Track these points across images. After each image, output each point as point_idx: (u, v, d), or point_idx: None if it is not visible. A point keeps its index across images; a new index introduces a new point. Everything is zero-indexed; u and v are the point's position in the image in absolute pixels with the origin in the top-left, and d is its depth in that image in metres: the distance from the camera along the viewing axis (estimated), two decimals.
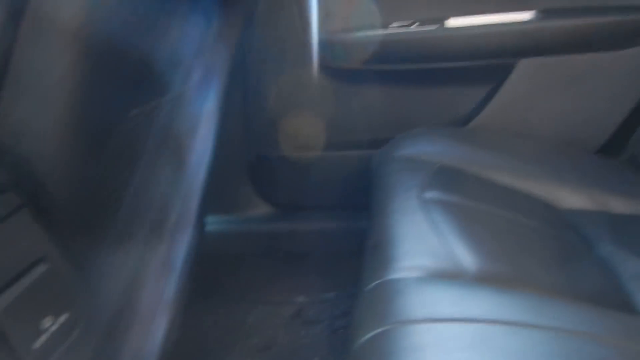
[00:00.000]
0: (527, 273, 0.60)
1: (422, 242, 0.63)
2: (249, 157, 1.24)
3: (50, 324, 0.49)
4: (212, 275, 1.25)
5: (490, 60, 1.09)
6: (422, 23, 1.08)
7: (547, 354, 0.46)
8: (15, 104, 0.51)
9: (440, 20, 1.08)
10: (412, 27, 1.08)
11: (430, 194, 0.76)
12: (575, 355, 0.47)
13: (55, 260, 0.53)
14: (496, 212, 0.75)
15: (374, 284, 0.58)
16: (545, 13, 1.05)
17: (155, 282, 0.82)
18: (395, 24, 1.09)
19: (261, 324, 1.15)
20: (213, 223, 1.25)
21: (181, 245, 1.04)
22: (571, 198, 0.91)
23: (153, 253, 0.96)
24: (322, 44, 1.10)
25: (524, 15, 1.06)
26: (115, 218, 0.65)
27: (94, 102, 0.56)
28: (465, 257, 0.61)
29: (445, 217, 0.69)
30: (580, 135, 1.11)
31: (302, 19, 1.11)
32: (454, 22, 1.08)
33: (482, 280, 0.58)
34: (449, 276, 0.58)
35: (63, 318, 0.51)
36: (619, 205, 0.91)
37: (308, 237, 1.25)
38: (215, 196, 1.21)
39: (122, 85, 0.66)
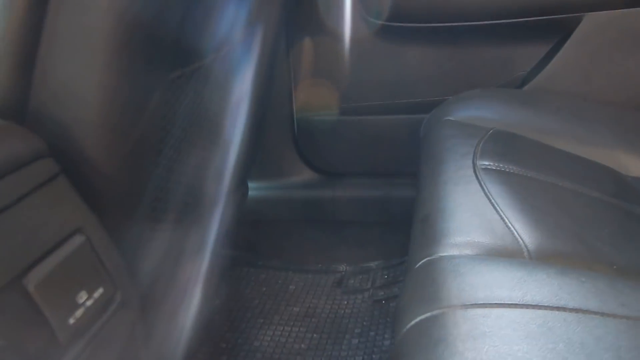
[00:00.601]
0: (594, 251, 0.54)
1: (476, 215, 0.58)
2: (293, 122, 1.20)
3: (86, 298, 0.47)
4: (255, 241, 1.24)
5: (552, 16, 0.99)
6: None
7: (620, 345, 0.41)
8: (54, 64, 0.48)
9: None
10: None
11: (485, 162, 0.70)
12: None
13: (92, 232, 0.51)
14: (557, 182, 0.68)
15: (423, 261, 0.54)
16: None
17: (190, 259, 0.80)
18: None
19: (303, 291, 1.13)
20: (256, 188, 1.23)
21: (218, 222, 1.02)
22: (638, 164, 0.84)
23: (188, 230, 0.94)
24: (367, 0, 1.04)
25: None
26: (148, 192, 0.63)
27: (134, 66, 0.53)
28: (525, 232, 0.55)
29: (501, 187, 0.63)
30: None
31: None
32: None
33: (544, 259, 0.53)
34: (507, 254, 0.52)
35: (99, 293, 0.49)
36: None
37: (351, 205, 1.20)
38: (259, 161, 1.19)
39: (160, 49, 0.63)
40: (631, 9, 0.96)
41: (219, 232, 1.08)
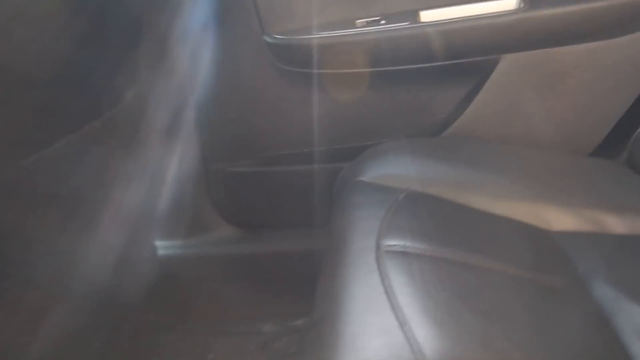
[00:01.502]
0: (501, 354, 0.48)
1: (377, 322, 0.51)
2: (207, 174, 1.11)
3: None
4: (170, 303, 1.14)
5: (470, 59, 0.95)
6: (390, 19, 0.93)
7: None
8: None
9: (412, 14, 0.94)
10: (378, 24, 0.94)
11: (390, 242, 0.63)
12: None
13: None
14: (468, 260, 0.63)
15: None
16: (530, 0, 0.90)
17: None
18: (360, 21, 0.95)
19: (225, 358, 1.05)
20: (169, 247, 1.13)
21: (124, 286, 0.93)
22: (562, 218, 0.79)
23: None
24: (279, 47, 0.96)
25: (507, 4, 0.92)
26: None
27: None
28: (427, 342, 0.49)
29: (404, 279, 0.57)
30: (573, 136, 0.98)
31: (259, 16, 0.97)
32: (426, 15, 0.94)
33: None
34: None
35: None
36: (616, 223, 0.79)
37: (274, 260, 1.13)
38: (171, 218, 1.09)
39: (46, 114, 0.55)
40: (548, 49, 0.92)
41: (127, 297, 0.99)
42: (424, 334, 0.50)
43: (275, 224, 1.14)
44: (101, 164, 0.79)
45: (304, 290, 1.13)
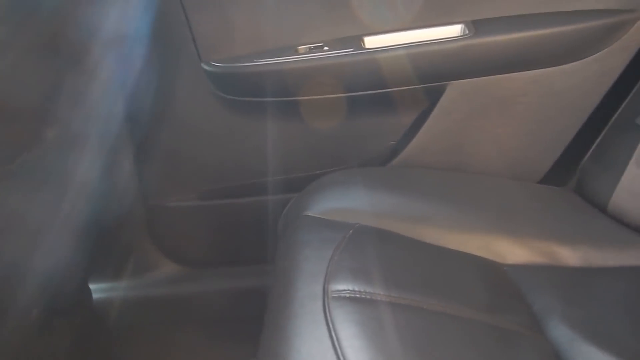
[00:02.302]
0: None
1: None
2: (146, 209, 1.05)
3: None
4: (111, 352, 1.06)
5: (416, 85, 0.92)
6: (333, 45, 0.90)
7: None
8: None
9: (356, 40, 0.91)
10: (322, 50, 0.90)
11: (338, 286, 0.59)
12: None
13: None
14: (422, 304, 0.59)
15: None
16: (477, 26, 0.88)
17: None
18: (302, 48, 0.91)
19: None
20: (107, 290, 1.05)
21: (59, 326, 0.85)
22: (514, 250, 0.77)
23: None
24: (214, 75, 0.91)
25: (453, 30, 0.90)
26: None
27: None
28: None
29: (352, 330, 0.52)
30: (522, 163, 0.97)
31: (196, 43, 0.92)
32: (371, 42, 0.91)
33: None
34: None
35: None
36: (569, 255, 0.77)
37: (223, 299, 1.06)
38: (106, 258, 1.02)
39: None
40: (494, 76, 0.90)
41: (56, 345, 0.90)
42: None
43: (223, 261, 1.08)
44: (16, 210, 0.72)
45: (256, 330, 1.07)
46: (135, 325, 1.06)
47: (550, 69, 0.88)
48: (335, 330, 0.52)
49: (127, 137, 0.97)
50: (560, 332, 0.61)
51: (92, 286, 0.99)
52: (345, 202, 0.80)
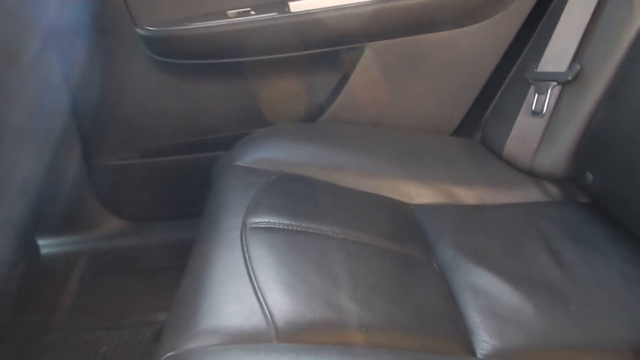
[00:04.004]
0: (344, 316, 0.54)
1: (231, 292, 0.55)
2: (88, 167, 1.11)
3: None
4: (59, 302, 1.12)
5: (337, 47, 1.01)
6: (260, 10, 0.97)
7: None
8: None
9: (280, 5, 0.98)
10: (249, 15, 0.97)
11: (256, 219, 0.68)
12: None
13: None
14: (328, 232, 0.68)
15: (166, 356, 0.50)
16: None
17: None
18: (231, 12, 0.98)
19: (116, 352, 1.05)
20: (54, 245, 1.11)
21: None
22: (420, 192, 0.88)
23: None
24: (148, 39, 0.97)
25: None
26: None
27: None
28: (276, 307, 0.54)
29: (264, 251, 0.61)
30: (433, 118, 1.07)
31: (127, 7, 0.97)
32: (294, 6, 0.98)
33: (293, 336, 0.51)
34: (255, 339, 0.50)
35: None
36: (466, 195, 0.88)
37: (163, 251, 1.14)
38: (51, 214, 1.08)
39: None
40: (406, 38, 1.00)
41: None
42: (276, 298, 0.54)
43: (164, 215, 1.15)
44: None
45: None
46: (82, 276, 1.13)
47: (453, 30, 0.98)
48: (248, 252, 0.61)
49: (66, 102, 1.02)
50: (446, 255, 0.72)
51: (40, 242, 1.05)
52: (271, 154, 0.88)
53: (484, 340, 0.58)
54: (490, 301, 0.63)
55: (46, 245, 1.09)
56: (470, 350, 0.58)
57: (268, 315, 0.52)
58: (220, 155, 0.98)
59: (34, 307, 1.09)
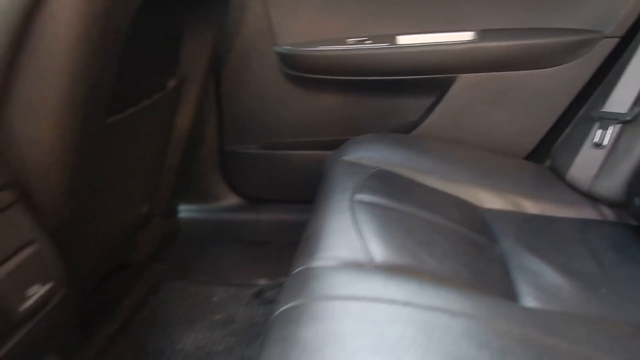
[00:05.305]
0: (423, 264, 0.75)
1: (343, 237, 0.78)
2: (222, 153, 1.38)
3: (36, 291, 0.63)
4: (184, 258, 1.40)
5: (434, 75, 1.23)
6: (374, 40, 1.21)
7: (412, 331, 0.60)
8: (18, 121, 0.64)
9: (391, 37, 1.22)
10: (364, 44, 1.22)
11: (360, 196, 0.90)
12: (448, 331, 0.61)
13: (42, 242, 0.67)
14: (416, 212, 0.89)
15: (298, 269, 0.72)
16: (483, 34, 1.18)
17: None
18: (350, 40, 1.23)
19: (224, 302, 1.30)
20: (187, 211, 1.40)
21: (149, 239, 1.19)
22: (491, 199, 1.06)
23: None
24: (284, 55, 1.24)
25: (464, 35, 1.20)
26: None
27: (77, 118, 0.69)
28: (375, 250, 0.75)
29: (367, 216, 0.83)
30: (510, 143, 1.26)
31: (270, 30, 1.25)
32: (402, 39, 1.21)
33: (386, 269, 0.72)
34: (358, 265, 0.72)
35: (48, 286, 0.65)
36: (531, 206, 1.06)
37: (270, 227, 1.39)
38: (190, 186, 1.36)
39: (99, 100, 0.76)
40: (493, 73, 1.20)
41: (150, 248, 1.24)
42: (375, 246, 0.76)
43: (274, 198, 1.41)
44: (148, 132, 1.05)
45: (293, 253, 1.40)
46: (203, 239, 1.40)
47: (534, 70, 1.17)
48: (354, 215, 0.83)
49: (211, 98, 1.31)
50: (506, 244, 0.90)
51: (180, 207, 1.34)
52: (371, 154, 1.11)
53: (527, 301, 0.77)
54: (536, 279, 0.81)
55: (182, 210, 1.37)
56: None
57: (368, 253, 0.74)
58: (326, 154, 1.21)
59: (165, 258, 1.37)
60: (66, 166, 0.67)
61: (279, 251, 1.39)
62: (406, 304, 0.64)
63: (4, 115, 0.61)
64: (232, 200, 1.40)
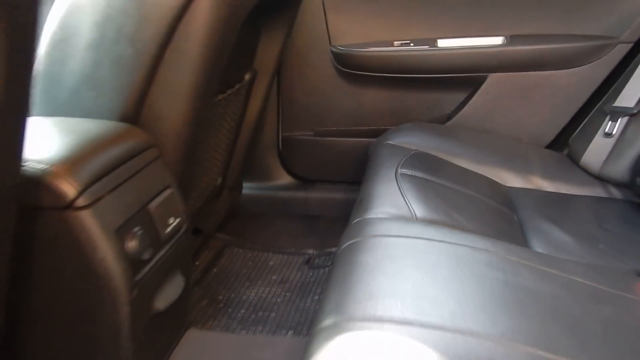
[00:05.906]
0: (456, 221, 0.94)
1: (390, 199, 0.97)
2: (279, 138, 1.60)
3: (172, 222, 0.85)
4: (245, 228, 1.61)
5: (468, 74, 1.41)
6: (417, 43, 1.41)
7: (446, 257, 0.79)
8: (158, 100, 0.86)
9: (432, 40, 1.41)
10: (409, 46, 1.41)
11: (403, 171, 1.10)
12: (472, 259, 0.79)
13: (174, 187, 0.90)
14: (449, 184, 1.08)
15: (356, 220, 0.92)
16: (512, 39, 1.37)
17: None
18: (397, 43, 1.43)
19: (279, 266, 1.51)
20: (248, 188, 1.62)
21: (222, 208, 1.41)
22: (514, 179, 1.24)
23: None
24: (338, 55, 1.44)
25: (495, 40, 1.39)
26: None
27: (201, 100, 0.91)
28: (417, 209, 0.94)
29: (410, 185, 1.03)
30: (532, 133, 1.44)
31: (327, 33, 1.45)
32: (442, 42, 1.41)
33: (422, 221, 0.92)
34: (403, 218, 0.92)
35: (177, 220, 0.87)
36: (548, 185, 1.24)
37: (319, 204, 1.60)
38: (252, 166, 1.58)
39: (214, 81, 0.97)
40: (520, 73, 1.38)
41: (219, 217, 1.45)
42: (417, 207, 0.95)
43: (324, 179, 1.62)
44: (234, 112, 1.28)
45: (340, 228, 1.60)
46: (260, 213, 1.62)
47: (557, 71, 1.35)
48: (399, 184, 1.03)
49: (274, 90, 1.52)
50: (524, 214, 1.08)
51: (244, 183, 1.56)
52: (411, 139, 1.30)
53: (538, 249, 0.95)
54: (547, 236, 0.99)
55: (245, 187, 1.59)
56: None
57: (411, 210, 0.94)
58: (370, 141, 1.41)
59: (228, 229, 1.59)
60: (188, 134, 0.89)
61: (326, 225, 1.59)
62: (441, 241, 0.83)
63: (149, 96, 0.84)
64: (286, 179, 1.62)
